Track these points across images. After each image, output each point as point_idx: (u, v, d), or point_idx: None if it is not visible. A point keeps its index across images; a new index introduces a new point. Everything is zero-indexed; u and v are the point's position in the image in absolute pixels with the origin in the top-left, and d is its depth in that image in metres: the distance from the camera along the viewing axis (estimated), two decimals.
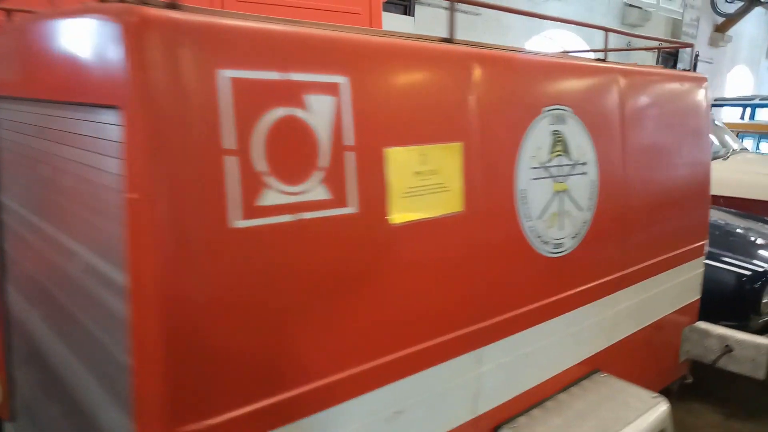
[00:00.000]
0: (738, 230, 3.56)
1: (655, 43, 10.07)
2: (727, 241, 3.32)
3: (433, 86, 1.36)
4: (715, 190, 4.86)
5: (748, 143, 8.97)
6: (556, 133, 1.66)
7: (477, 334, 1.50)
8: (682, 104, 2.25)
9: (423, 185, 1.33)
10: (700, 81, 2.36)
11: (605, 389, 1.86)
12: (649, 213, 2.10)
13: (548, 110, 1.64)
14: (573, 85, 1.76)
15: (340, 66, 1.17)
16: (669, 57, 12.15)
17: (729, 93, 14.72)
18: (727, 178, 4.87)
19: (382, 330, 1.29)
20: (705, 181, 2.41)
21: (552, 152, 1.66)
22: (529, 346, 1.66)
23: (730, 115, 12.37)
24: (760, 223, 3.78)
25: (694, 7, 12.19)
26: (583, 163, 1.77)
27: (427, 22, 7.41)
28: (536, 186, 1.61)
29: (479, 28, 7.97)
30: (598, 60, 2.01)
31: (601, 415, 1.71)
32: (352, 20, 3.19)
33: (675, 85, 2.23)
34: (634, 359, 2.22)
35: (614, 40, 10.94)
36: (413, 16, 7.24)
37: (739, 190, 4.74)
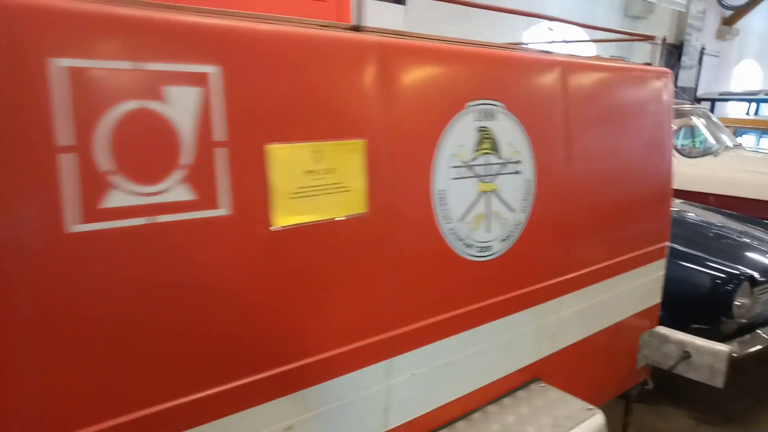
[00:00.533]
0: (717, 230, 3.44)
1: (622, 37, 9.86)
2: (702, 242, 3.21)
3: (330, 78, 1.26)
4: (704, 187, 4.74)
5: (750, 139, 8.77)
6: (483, 129, 1.56)
7: (385, 343, 1.40)
8: (639, 99, 2.13)
9: (316, 185, 1.24)
10: (662, 75, 2.24)
11: (539, 400, 1.76)
12: (599, 214, 1.99)
13: (473, 105, 1.53)
14: (506, 78, 1.65)
15: (209, 54, 1.07)
16: (673, 50, 11.91)
17: (736, 87, 14.43)
18: (717, 175, 4.73)
19: (267, 341, 1.20)
20: (666, 180, 2.29)
21: (477, 150, 1.55)
22: (449, 355, 1.56)
23: (736, 110, 12.13)
24: (743, 223, 3.65)
25: None
26: (517, 162, 1.66)
27: (423, 11, 7.28)
28: (458, 186, 1.51)
29: (474, 19, 7.82)
30: (541, 51, 1.90)
31: (528, 429, 1.62)
32: (319, 9, 3.09)
33: (631, 79, 2.11)
34: (584, 366, 2.12)
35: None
36: (404, 5, 7.10)
37: (729, 188, 4.61)
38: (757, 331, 2.95)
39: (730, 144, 5.39)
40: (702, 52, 13.00)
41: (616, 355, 2.31)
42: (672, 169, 2.29)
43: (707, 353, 2.23)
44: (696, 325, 2.84)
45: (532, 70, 1.73)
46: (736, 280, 2.78)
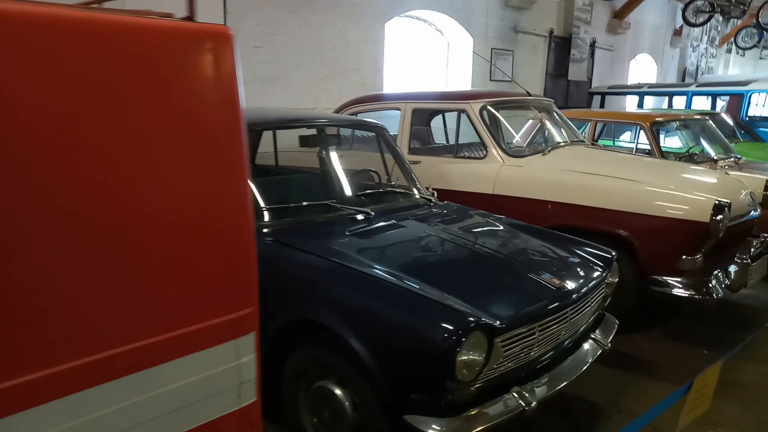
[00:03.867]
0: (482, 255, 2.70)
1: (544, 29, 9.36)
2: (440, 273, 2.45)
3: None
4: (517, 191, 4.05)
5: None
6: None
7: None
8: (158, 74, 1.29)
9: None
10: (210, 35, 1.41)
11: None
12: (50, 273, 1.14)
13: None
14: None
15: None
16: (562, 42, 11.54)
17: (633, 81, 14.33)
18: (534, 178, 4.06)
19: None
20: (240, 205, 1.45)
21: None
22: None
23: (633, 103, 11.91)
24: (543, 240, 2.94)
25: None
26: None
27: None
28: None
29: (320, 6, 6.99)
30: None
31: None
32: None
33: (131, 41, 1.26)
34: None
35: (497, 23, 10.21)
36: None
37: (546, 192, 3.94)
38: (512, 392, 2.21)
39: (567, 140, 4.78)
40: (593, 45, 12.75)
41: None
42: (248, 189, 1.47)
43: None
44: (416, 395, 2.07)
45: None
46: (461, 329, 2.02)
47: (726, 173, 4.00)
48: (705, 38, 15.81)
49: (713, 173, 4.03)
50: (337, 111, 5.36)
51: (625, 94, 11.12)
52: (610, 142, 7.44)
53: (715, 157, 5.86)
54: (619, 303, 3.73)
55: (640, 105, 10.60)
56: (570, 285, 2.52)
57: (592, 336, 2.74)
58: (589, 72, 12.68)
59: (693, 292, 3.44)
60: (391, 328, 2.08)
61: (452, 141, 4.87)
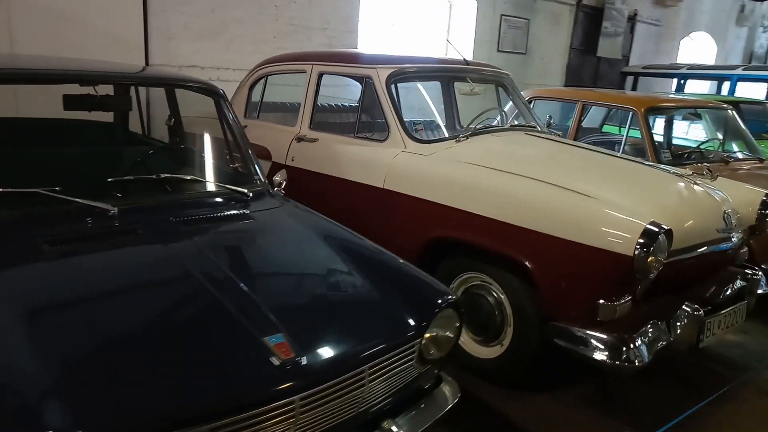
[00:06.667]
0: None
1: None
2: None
3: None
4: (406, 188, 3.01)
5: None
6: None
7: None
8: None
9: None
10: None
11: None
12: None
13: None
14: None
15: None
16: (593, 12, 10.07)
17: (685, 62, 12.59)
18: (427, 171, 3.06)
19: None
20: None
21: None
22: None
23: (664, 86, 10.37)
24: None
25: None
26: None
27: None
28: None
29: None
30: None
31: None
32: None
33: None
34: None
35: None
36: None
37: (434, 192, 2.93)
38: None
39: (505, 124, 3.70)
40: (633, 19, 11.16)
41: None
42: None
43: None
44: None
45: None
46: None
47: (695, 183, 2.85)
48: None
49: (679, 184, 2.89)
50: (251, 71, 4.45)
51: (661, 75, 9.61)
52: (616, 129, 6.18)
53: (727, 157, 4.62)
54: (519, 350, 2.73)
55: (680, 89, 9.09)
56: (319, 354, 1.58)
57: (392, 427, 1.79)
58: (626, 49, 11.12)
59: (605, 355, 2.40)
60: None
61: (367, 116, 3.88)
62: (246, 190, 2.44)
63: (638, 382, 3.03)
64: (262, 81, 4.31)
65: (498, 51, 8.78)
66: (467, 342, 2.98)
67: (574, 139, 5.18)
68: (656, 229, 2.30)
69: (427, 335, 1.88)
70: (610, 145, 5.37)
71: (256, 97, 4.36)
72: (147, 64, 5.19)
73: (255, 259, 2.10)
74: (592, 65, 10.49)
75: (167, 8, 5.33)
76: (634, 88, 9.72)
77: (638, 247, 2.28)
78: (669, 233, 2.34)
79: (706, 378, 3.19)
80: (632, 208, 2.47)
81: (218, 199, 2.40)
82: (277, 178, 2.75)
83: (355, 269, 2.03)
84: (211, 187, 2.47)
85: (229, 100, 2.90)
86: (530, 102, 5.68)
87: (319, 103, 4.01)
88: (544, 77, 9.61)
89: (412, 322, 1.84)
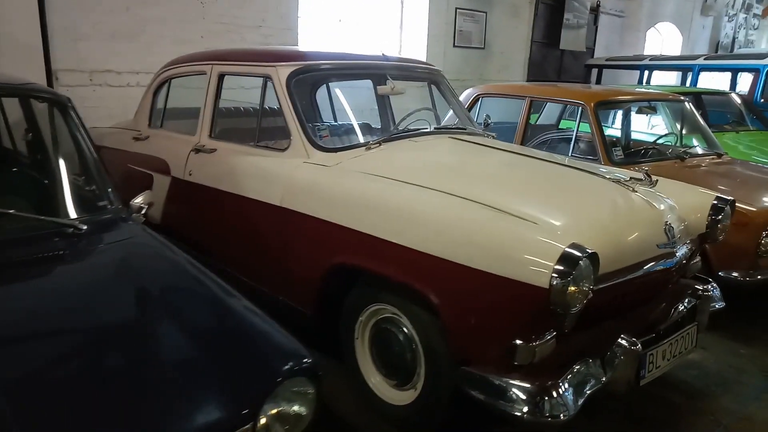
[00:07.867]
0: None
1: None
2: None
3: None
4: (304, 206, 2.37)
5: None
6: None
7: None
8: None
9: None
10: None
11: None
12: None
13: None
14: None
15: None
16: (553, 4, 9.72)
17: (651, 54, 12.33)
18: (327, 185, 2.62)
19: None
20: None
21: None
22: None
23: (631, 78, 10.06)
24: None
25: None
26: None
27: None
28: None
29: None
30: None
31: None
32: None
33: None
34: None
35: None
36: None
37: (334, 211, 2.49)
38: None
39: (431, 127, 3.27)
40: (596, 10, 10.85)
41: None
42: None
43: None
44: None
45: None
46: None
47: (633, 191, 2.44)
48: (739, 5, 13.59)
49: (612, 193, 2.47)
50: (155, 75, 3.97)
51: (624, 67, 9.29)
52: (573, 124, 5.80)
53: (683, 153, 4.25)
54: (432, 396, 2.31)
55: (643, 81, 8.77)
56: None
57: None
58: (590, 41, 10.81)
59: (524, 410, 1.97)
60: None
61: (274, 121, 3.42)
62: (76, 223, 1.97)
63: (579, 418, 2.61)
64: (166, 85, 3.84)
65: (454, 46, 8.39)
66: (379, 385, 2.55)
67: (523, 138, 4.79)
68: (577, 253, 1.88)
69: (269, 413, 1.44)
70: (565, 142, 4.98)
71: (161, 103, 3.89)
72: (48, 68, 4.66)
73: (54, 326, 1.63)
74: (555, 59, 10.15)
75: (71, 5, 4.80)
76: (598, 81, 9.39)
77: (555, 276, 1.86)
78: (593, 257, 1.92)
79: (657, 409, 2.80)
80: (551, 227, 2.05)
81: (37, 234, 1.93)
82: (137, 201, 2.29)
83: (182, 331, 1.58)
84: (29, 220, 1.99)
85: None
86: (478, 100, 5.29)
87: (222, 108, 3.55)
88: (505, 72, 9.23)
89: (241, 399, 1.40)
